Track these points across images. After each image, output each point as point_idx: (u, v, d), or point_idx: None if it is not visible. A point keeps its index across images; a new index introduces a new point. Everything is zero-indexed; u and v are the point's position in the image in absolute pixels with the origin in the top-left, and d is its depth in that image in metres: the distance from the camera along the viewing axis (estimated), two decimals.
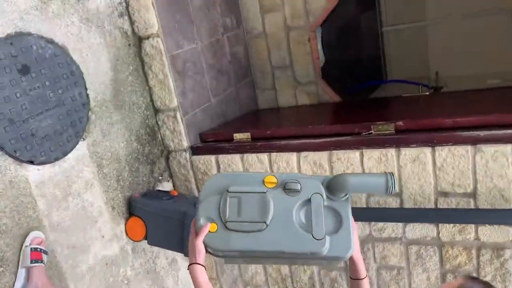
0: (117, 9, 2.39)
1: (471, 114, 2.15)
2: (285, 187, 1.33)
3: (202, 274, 1.27)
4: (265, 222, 1.29)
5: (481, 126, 2.07)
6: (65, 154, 2.07)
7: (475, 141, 2.04)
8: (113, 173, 2.33)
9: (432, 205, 2.19)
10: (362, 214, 2.28)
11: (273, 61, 3.39)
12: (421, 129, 2.19)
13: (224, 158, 2.57)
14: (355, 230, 1.34)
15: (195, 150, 2.66)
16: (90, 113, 2.21)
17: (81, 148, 2.15)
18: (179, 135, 2.64)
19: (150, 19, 2.43)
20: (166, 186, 2.71)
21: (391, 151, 2.20)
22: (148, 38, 2.48)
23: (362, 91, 3.65)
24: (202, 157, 2.63)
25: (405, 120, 2.24)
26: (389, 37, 4.03)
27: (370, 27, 3.92)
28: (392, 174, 1.27)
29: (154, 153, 2.63)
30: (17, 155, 1.84)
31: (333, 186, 1.33)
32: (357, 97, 3.51)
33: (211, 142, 2.69)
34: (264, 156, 2.43)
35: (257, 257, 1.38)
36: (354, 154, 2.25)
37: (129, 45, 2.46)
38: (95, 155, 2.23)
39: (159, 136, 2.67)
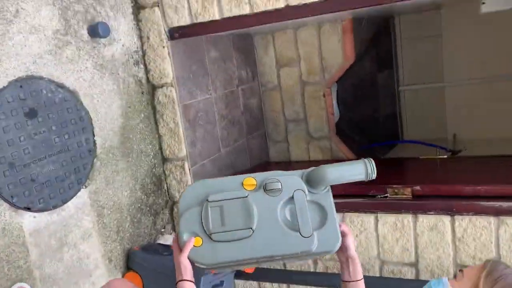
0: (132, 57, 2.39)
1: (493, 183, 2.03)
2: (266, 188, 1.28)
3: None
4: (251, 228, 1.23)
5: (504, 196, 1.94)
6: (64, 201, 1.99)
7: (497, 213, 1.91)
8: (113, 224, 2.23)
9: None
10: (376, 284, 2.11)
11: (287, 114, 3.35)
12: (440, 196, 2.07)
13: None
14: (350, 232, 1.29)
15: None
16: (95, 160, 2.15)
17: (82, 196, 2.07)
18: (186, 186, 2.55)
19: (166, 69, 2.42)
20: (169, 239, 2.58)
21: (408, 218, 2.08)
22: (162, 87, 2.46)
23: (378, 149, 3.56)
24: None
25: (422, 185, 2.12)
26: (406, 96, 3.98)
27: (387, 86, 3.89)
28: (370, 159, 1.27)
29: (158, 204, 2.53)
30: (13, 201, 1.76)
31: (313, 179, 1.30)
32: (372, 155, 3.41)
33: None
34: None
35: (247, 264, 1.31)
36: (369, 218, 2.12)
37: (142, 92, 2.44)
38: (97, 203, 2.14)
39: (165, 186, 2.59)
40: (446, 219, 2.01)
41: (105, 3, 2.22)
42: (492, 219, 1.92)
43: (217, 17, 2.23)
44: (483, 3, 2.66)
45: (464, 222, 1.96)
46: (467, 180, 2.17)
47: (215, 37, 2.81)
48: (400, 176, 2.67)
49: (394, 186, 2.16)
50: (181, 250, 1.22)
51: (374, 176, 1.26)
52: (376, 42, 3.66)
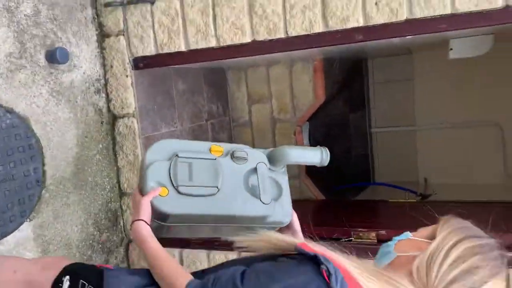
0: (94, 85, 2.30)
1: None
2: (233, 155, 1.36)
3: (146, 227, 1.16)
4: (217, 187, 1.29)
5: None
6: (3, 235, 1.83)
7: None
8: None
9: None
10: None
11: None
12: None
13: (189, 253, 2.32)
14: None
15: (160, 241, 2.41)
16: (44, 191, 2.01)
17: (25, 230, 1.92)
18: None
19: (128, 99, 2.34)
20: None
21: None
22: (123, 117, 2.36)
23: (349, 191, 3.50)
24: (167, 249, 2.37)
25: (388, 229, 2.04)
26: (378, 138, 3.97)
27: (359, 127, 3.88)
28: (325, 148, 1.43)
29: (112, 241, 2.38)
30: None
31: (274, 157, 1.40)
32: (341, 196, 3.35)
33: None
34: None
35: (203, 225, 1.34)
36: None
37: (102, 122, 2.34)
38: (41, 238, 1.99)
39: (121, 222, 2.44)
40: None
41: (67, 29, 2.15)
42: None
43: (183, 48, 2.18)
44: (451, 49, 2.69)
45: None
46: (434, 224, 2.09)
47: (184, 69, 2.76)
48: (367, 219, 2.58)
49: (359, 229, 2.08)
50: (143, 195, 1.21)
51: (326, 163, 1.42)
52: (349, 83, 3.67)
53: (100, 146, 2.32)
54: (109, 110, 2.37)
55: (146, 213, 1.18)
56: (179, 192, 1.24)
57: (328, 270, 0.86)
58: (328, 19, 1.91)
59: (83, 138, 2.22)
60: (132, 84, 2.33)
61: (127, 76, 2.31)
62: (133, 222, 1.18)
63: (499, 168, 3.59)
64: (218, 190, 1.28)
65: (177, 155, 1.29)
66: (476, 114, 3.52)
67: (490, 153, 3.57)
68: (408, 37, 2.30)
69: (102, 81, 2.35)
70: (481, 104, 3.47)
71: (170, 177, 1.25)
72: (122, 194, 2.43)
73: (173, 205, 1.23)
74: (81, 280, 1.14)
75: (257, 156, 1.39)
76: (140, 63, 2.31)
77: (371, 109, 3.93)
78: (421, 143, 3.82)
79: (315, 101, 3.11)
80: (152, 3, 2.19)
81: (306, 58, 3.09)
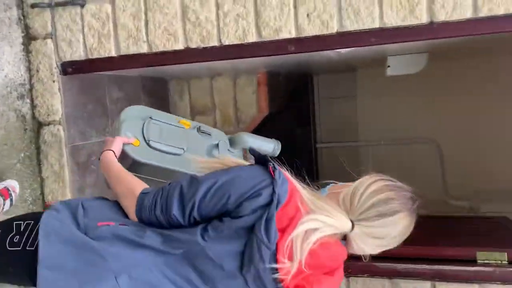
0: (17, 90, 2.16)
1: None
2: (200, 129, 1.59)
3: (113, 156, 1.28)
4: (183, 149, 1.47)
5: (398, 258, 1.87)
6: None
7: (391, 275, 1.82)
8: None
9: None
10: None
11: None
12: None
13: None
14: None
15: None
16: None
17: None
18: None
19: (54, 105, 2.20)
20: None
21: None
22: (49, 124, 2.22)
23: None
24: None
25: None
26: (323, 153, 4.00)
27: (305, 142, 3.89)
28: (279, 142, 1.69)
29: None
30: None
31: (234, 141, 1.63)
32: None
33: None
34: None
35: (161, 174, 1.44)
36: None
37: (25, 129, 2.19)
38: None
39: None
40: (342, 282, 1.89)
41: None
42: (386, 282, 1.83)
43: (113, 53, 2.09)
44: (388, 66, 2.75)
45: (358, 285, 1.85)
46: None
47: (121, 76, 2.66)
48: None
49: None
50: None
51: (276, 154, 1.66)
52: (295, 98, 3.69)
53: (22, 155, 2.17)
54: (33, 117, 2.23)
55: (116, 147, 1.31)
56: (149, 146, 1.41)
57: (274, 167, 1.03)
58: (261, 29, 1.89)
59: (1, 146, 2.06)
60: (59, 90, 2.20)
61: (54, 81, 2.18)
62: (102, 152, 1.30)
63: (438, 183, 3.69)
64: (184, 151, 1.47)
65: (150, 117, 1.47)
66: (415, 131, 3.61)
67: (429, 169, 3.67)
68: (343, 52, 2.33)
69: (27, 86, 2.21)
70: (419, 121, 3.57)
71: (142, 132, 1.42)
72: (46, 207, 2.27)
73: (143, 155, 1.38)
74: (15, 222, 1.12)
75: (220, 136, 1.63)
76: (69, 68, 2.19)
77: (317, 125, 3.97)
78: (364, 159, 3.87)
79: (259, 114, 3.09)
80: (82, 5, 2.10)
81: (250, 70, 3.07)
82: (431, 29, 1.72)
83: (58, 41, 2.16)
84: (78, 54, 2.14)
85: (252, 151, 1.12)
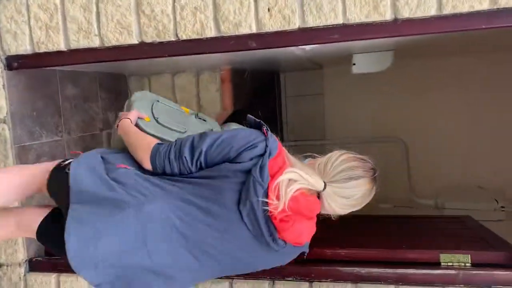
0: None
1: (354, 246, 1.91)
2: (197, 116, 1.84)
3: (131, 123, 1.50)
4: (185, 129, 1.67)
5: (362, 261, 1.82)
6: None
7: (355, 279, 1.77)
8: None
9: None
10: None
11: None
12: (298, 260, 1.89)
13: (67, 278, 2.06)
14: None
15: (33, 266, 2.12)
16: None
17: None
18: (15, 244, 2.11)
19: None
20: None
21: (265, 284, 1.86)
22: None
23: None
24: (41, 275, 2.09)
25: None
26: (289, 152, 3.93)
27: None
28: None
29: None
30: None
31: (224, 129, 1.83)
32: None
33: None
34: None
35: None
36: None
37: None
38: None
39: None
40: (305, 285, 1.83)
41: None
42: (349, 286, 1.78)
43: (63, 48, 1.95)
44: (354, 64, 2.71)
45: None
46: (328, 243, 2.02)
47: (76, 72, 2.50)
48: None
49: None
50: None
51: None
52: (261, 96, 3.61)
53: None
54: None
55: (133, 117, 1.53)
56: (158, 122, 1.61)
57: (267, 129, 1.29)
58: (220, 23, 1.79)
59: None
60: (3, 86, 2.04)
61: None
62: (120, 120, 1.52)
63: (404, 182, 3.70)
64: (186, 131, 1.66)
65: (158, 101, 1.71)
66: (382, 129, 3.60)
67: (395, 168, 3.66)
68: (308, 48, 2.26)
69: None
70: (386, 119, 3.56)
71: (152, 111, 1.63)
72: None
73: (151, 128, 1.56)
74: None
75: (213, 124, 1.86)
76: (14, 63, 2.03)
77: (284, 123, 3.90)
78: None
79: (223, 112, 2.99)
80: None
81: (213, 67, 2.97)
82: (395, 26, 1.67)
83: (2, 33, 2.00)
84: (24, 47, 1.99)
85: (250, 119, 1.38)
